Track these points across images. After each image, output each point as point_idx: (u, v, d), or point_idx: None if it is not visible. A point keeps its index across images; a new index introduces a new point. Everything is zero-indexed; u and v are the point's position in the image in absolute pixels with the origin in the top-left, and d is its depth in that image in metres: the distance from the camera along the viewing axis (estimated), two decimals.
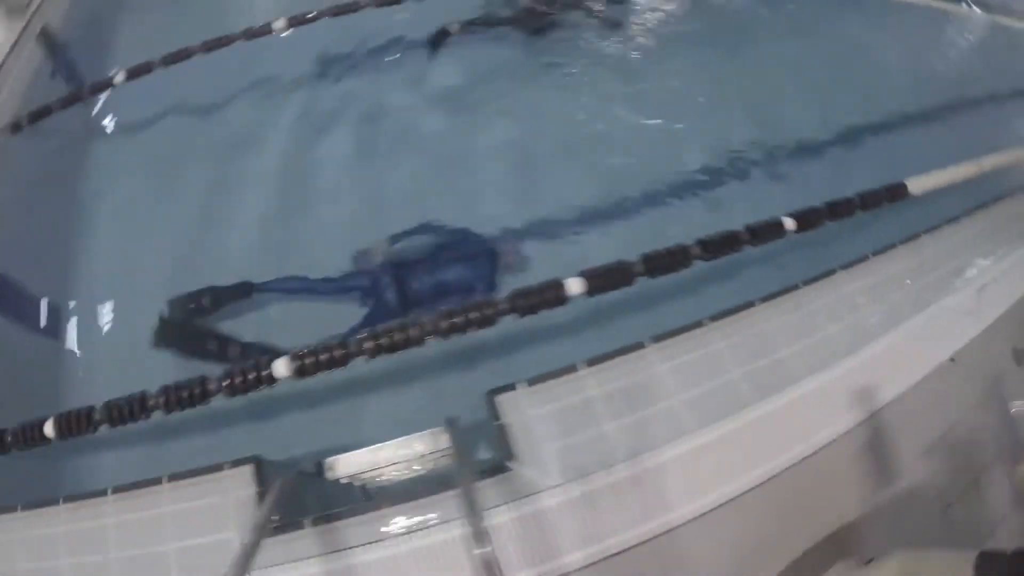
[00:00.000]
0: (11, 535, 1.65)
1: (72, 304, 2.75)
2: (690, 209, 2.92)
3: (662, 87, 3.38)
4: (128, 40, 3.65)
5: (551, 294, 1.80)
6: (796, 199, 2.32)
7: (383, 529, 1.45)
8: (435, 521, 1.47)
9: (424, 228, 2.97)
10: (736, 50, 3.56)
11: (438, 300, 2.79)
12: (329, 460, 1.72)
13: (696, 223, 2.41)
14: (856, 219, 2.27)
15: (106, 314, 2.72)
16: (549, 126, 3.25)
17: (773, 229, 2.08)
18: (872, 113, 3.26)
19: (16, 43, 3.19)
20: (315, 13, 3.25)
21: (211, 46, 3.14)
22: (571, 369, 1.71)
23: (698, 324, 1.84)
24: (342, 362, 1.68)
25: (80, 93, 3.21)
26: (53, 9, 3.46)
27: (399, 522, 1.48)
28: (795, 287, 1.99)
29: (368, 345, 1.69)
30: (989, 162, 2.60)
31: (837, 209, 2.22)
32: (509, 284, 2.62)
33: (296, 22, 3.25)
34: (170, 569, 1.50)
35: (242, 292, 2.78)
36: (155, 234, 2.95)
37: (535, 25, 3.68)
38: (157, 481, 1.64)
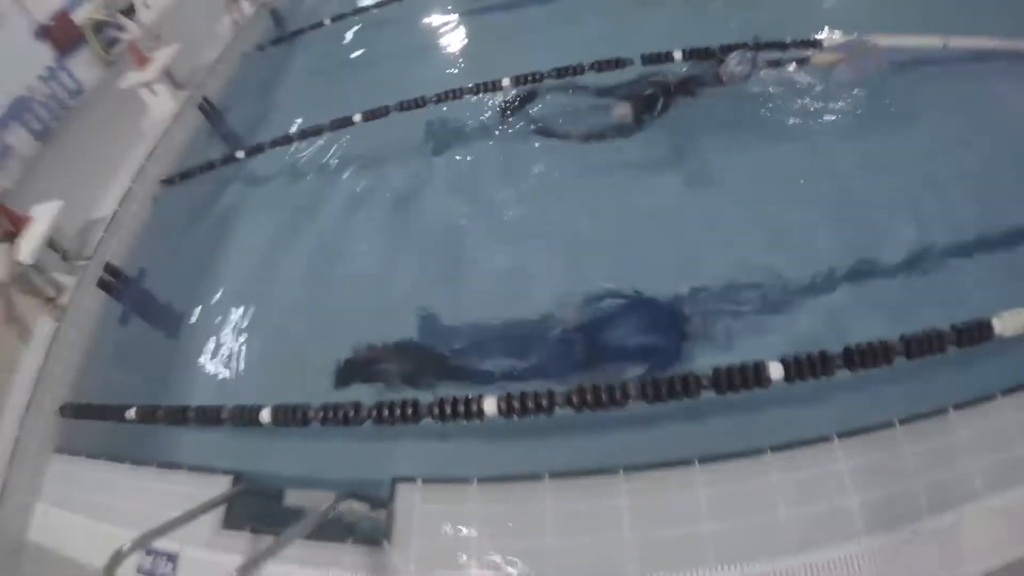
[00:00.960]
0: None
1: (196, 318, 3.54)
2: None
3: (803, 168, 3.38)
4: (277, 108, 4.57)
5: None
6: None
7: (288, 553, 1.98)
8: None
9: (613, 293, 3.05)
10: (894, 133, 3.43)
11: (621, 362, 2.87)
12: (288, 489, 2.33)
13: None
14: None
15: (222, 331, 3.45)
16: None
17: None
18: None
19: (180, 111, 4.20)
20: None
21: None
22: (465, 480, 2.01)
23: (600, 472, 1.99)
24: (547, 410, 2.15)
25: (232, 155, 4.06)
26: (214, 82, 4.51)
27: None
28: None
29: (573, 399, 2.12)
30: None
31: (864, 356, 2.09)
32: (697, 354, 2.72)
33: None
34: None
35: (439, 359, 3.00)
36: (273, 273, 3.60)
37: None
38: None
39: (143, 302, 3.64)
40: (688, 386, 2.09)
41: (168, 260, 3.78)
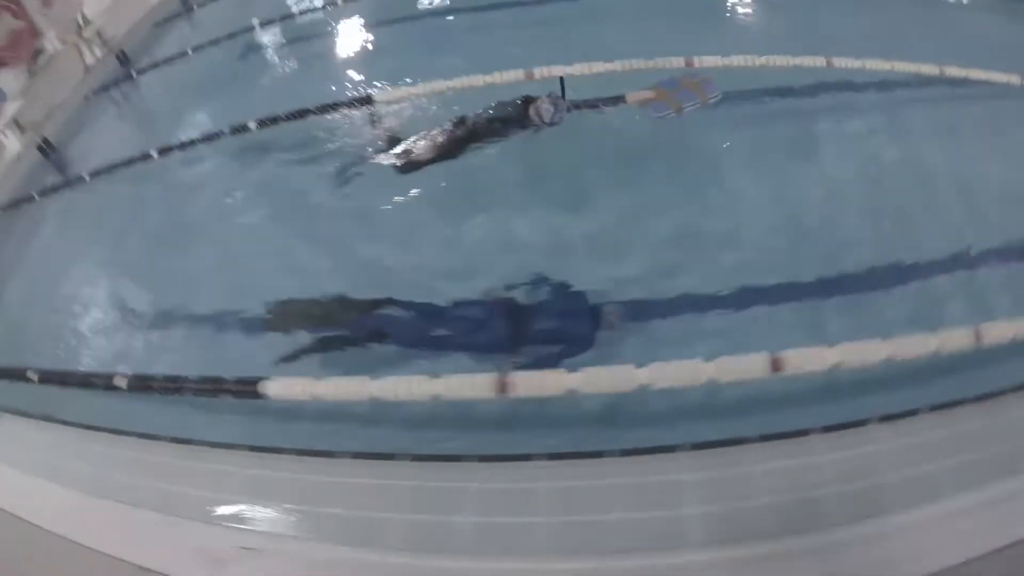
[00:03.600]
0: None
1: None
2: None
3: None
4: (100, 146, 5.69)
5: None
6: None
7: None
8: None
9: (542, 281, 3.41)
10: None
11: (540, 343, 3.13)
12: None
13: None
14: None
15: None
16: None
17: None
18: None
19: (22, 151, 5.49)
20: None
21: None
22: None
23: None
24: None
25: (65, 182, 5.31)
26: (54, 123, 5.79)
27: None
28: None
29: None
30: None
31: None
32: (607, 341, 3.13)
33: None
34: None
35: (380, 305, 3.41)
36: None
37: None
38: None
39: None
40: None
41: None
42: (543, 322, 3.22)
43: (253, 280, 4.09)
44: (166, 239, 4.63)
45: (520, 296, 3.37)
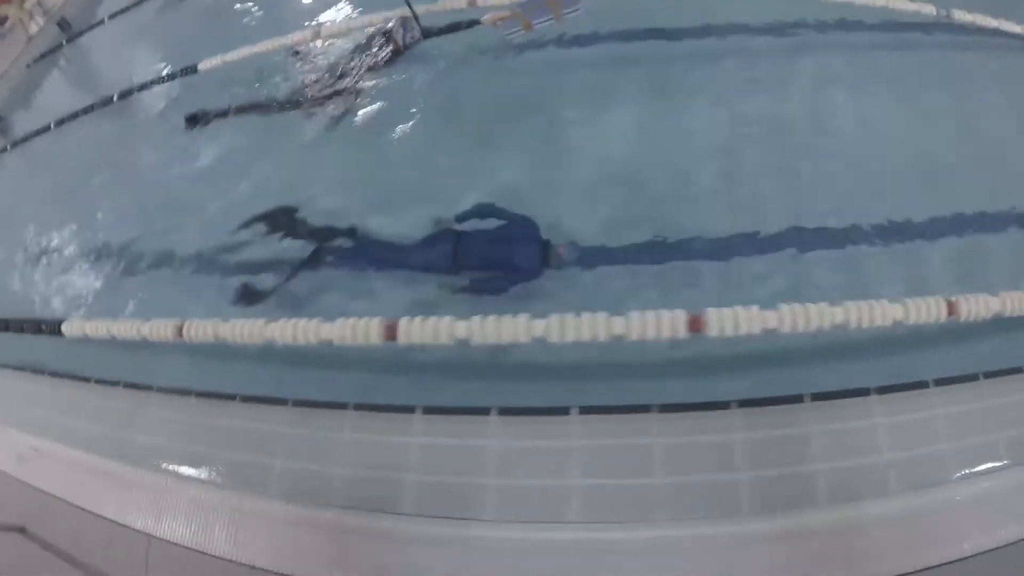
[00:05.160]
0: None
1: None
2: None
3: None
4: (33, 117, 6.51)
5: None
6: None
7: None
8: None
9: (491, 209, 3.35)
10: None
11: (485, 270, 3.20)
12: None
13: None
14: None
15: None
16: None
17: None
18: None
19: None
20: None
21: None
22: None
23: None
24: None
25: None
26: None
27: None
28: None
29: None
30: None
31: None
32: (554, 276, 3.19)
33: None
34: None
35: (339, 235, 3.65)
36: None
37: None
38: None
39: None
40: None
41: None
42: (489, 249, 3.27)
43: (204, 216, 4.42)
44: (115, 186, 5.21)
45: (469, 225, 3.44)
